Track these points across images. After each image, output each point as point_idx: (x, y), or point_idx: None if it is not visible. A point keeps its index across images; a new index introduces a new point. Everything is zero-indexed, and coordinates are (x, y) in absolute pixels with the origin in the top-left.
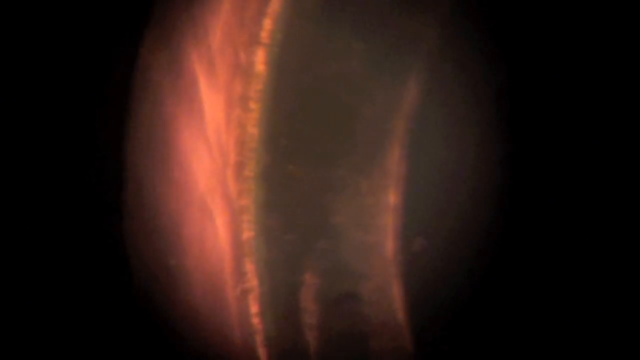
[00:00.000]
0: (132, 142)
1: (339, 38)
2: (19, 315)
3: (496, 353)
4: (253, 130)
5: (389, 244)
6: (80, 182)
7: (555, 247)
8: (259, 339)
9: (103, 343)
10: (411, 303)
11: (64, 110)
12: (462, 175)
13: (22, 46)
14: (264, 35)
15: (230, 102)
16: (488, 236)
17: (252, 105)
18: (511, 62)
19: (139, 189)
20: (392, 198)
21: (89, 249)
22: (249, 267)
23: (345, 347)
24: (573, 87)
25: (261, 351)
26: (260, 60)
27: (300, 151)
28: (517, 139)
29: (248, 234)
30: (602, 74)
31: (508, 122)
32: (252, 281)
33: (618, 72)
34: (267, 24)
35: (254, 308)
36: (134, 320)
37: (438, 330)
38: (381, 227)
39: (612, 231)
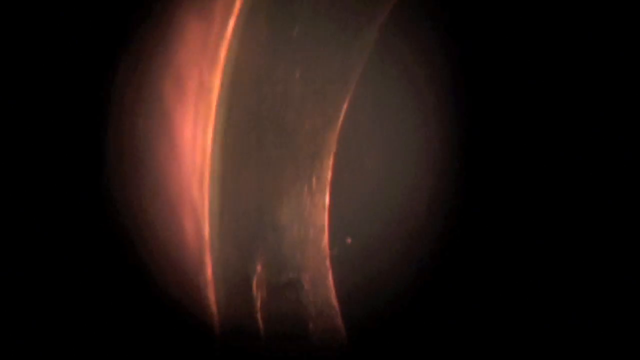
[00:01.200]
0: (113, 151)
1: (284, 64)
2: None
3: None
4: (212, 141)
5: (324, 240)
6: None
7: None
8: (215, 322)
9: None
10: (343, 291)
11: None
12: (392, 179)
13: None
14: (222, 58)
15: (195, 117)
16: (416, 233)
17: (211, 120)
18: (452, 66)
19: (121, 192)
20: (327, 200)
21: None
22: (208, 260)
23: (288, 328)
24: (515, 89)
25: (217, 331)
26: (217, 81)
27: (251, 161)
28: (455, 143)
29: (207, 231)
30: (544, 76)
31: (448, 124)
32: (210, 272)
33: (563, 74)
34: (223, 49)
35: (211, 295)
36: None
37: (366, 314)
38: (318, 225)
39: (545, 226)
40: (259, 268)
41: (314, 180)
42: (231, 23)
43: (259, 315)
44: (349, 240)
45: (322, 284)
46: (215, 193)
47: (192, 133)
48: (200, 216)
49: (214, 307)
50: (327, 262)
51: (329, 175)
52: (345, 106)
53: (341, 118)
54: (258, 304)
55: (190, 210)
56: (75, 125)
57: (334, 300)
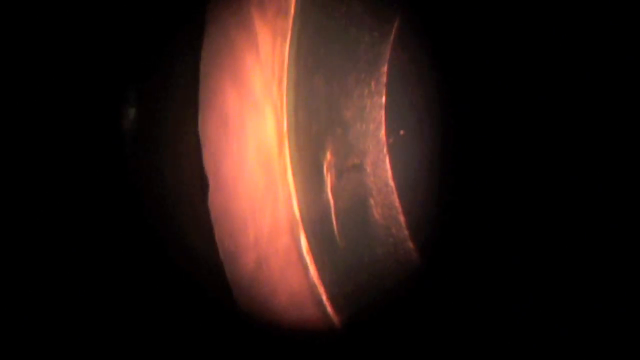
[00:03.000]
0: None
1: None
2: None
3: None
4: (288, 53)
5: (382, 132)
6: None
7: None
8: (294, 203)
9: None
10: (398, 173)
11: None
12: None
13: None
14: None
15: (274, 34)
16: None
17: (288, 35)
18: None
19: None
20: (383, 100)
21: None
22: (287, 148)
23: (353, 203)
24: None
25: (296, 212)
26: (293, 4)
27: (320, 68)
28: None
29: (286, 126)
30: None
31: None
32: (289, 158)
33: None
34: None
35: (290, 177)
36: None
37: (422, 198)
38: (377, 120)
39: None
40: (328, 155)
41: (372, 83)
42: None
43: (329, 194)
44: (402, 132)
45: (380, 167)
46: (291, 95)
47: (272, 47)
48: (280, 113)
49: (292, 188)
50: (385, 150)
51: (384, 79)
52: (397, 21)
53: (394, 31)
54: (329, 184)
55: (271, 107)
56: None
57: (391, 180)
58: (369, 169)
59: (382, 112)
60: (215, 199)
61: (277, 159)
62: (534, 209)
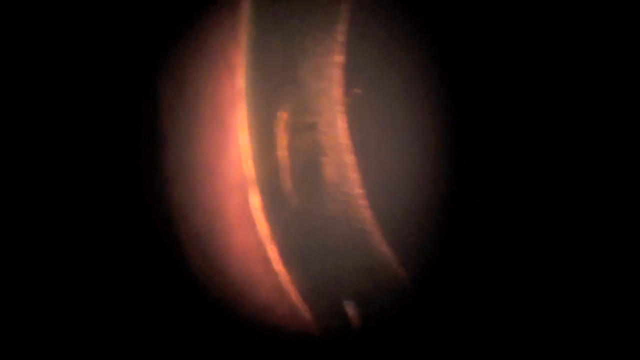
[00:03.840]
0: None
1: None
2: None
3: None
4: (246, 11)
5: (336, 90)
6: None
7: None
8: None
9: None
10: (352, 131)
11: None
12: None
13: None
14: None
15: None
16: None
17: None
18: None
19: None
20: (340, 58)
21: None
22: (242, 105)
23: (307, 162)
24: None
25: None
26: None
27: (278, 27)
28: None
29: (241, 82)
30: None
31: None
32: (244, 116)
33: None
34: None
35: (244, 136)
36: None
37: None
38: (333, 78)
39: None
40: (283, 113)
41: (329, 42)
42: None
43: (283, 152)
44: (358, 91)
45: (335, 125)
46: (248, 54)
47: (231, 7)
48: (235, 70)
49: (247, 146)
50: (340, 108)
51: (342, 38)
52: None
53: None
54: (284, 142)
55: (226, 66)
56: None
57: (345, 139)
58: (323, 128)
59: (338, 71)
60: (169, 156)
61: (231, 117)
62: (496, 173)
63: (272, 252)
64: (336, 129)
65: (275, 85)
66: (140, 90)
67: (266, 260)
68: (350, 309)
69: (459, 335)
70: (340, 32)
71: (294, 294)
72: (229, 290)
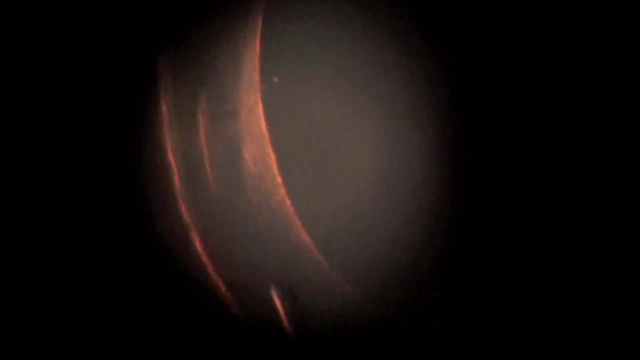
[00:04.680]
0: None
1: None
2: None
3: None
4: None
5: (255, 78)
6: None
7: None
8: (169, 149)
9: None
10: (270, 120)
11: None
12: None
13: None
14: None
15: None
16: None
17: None
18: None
19: None
20: (257, 47)
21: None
22: (162, 95)
23: (227, 153)
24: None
25: (171, 158)
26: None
27: (197, 17)
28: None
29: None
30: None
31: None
32: (164, 105)
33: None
34: None
35: (165, 122)
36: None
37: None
38: (250, 67)
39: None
40: (202, 101)
41: (246, 30)
42: None
43: (203, 140)
44: (275, 79)
45: (254, 113)
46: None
47: None
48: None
49: (167, 135)
50: (259, 97)
51: (259, 25)
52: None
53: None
54: (202, 130)
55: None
56: None
57: (264, 129)
58: (242, 116)
59: (256, 59)
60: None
61: (153, 107)
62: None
63: (197, 243)
64: (255, 116)
65: (195, 75)
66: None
67: (192, 251)
68: (276, 300)
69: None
70: (258, 20)
71: (220, 285)
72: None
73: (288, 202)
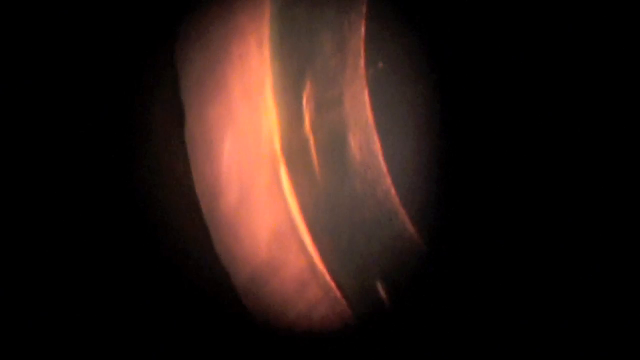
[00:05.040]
0: None
1: None
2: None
3: None
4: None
5: (361, 63)
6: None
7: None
8: (276, 135)
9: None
10: (376, 105)
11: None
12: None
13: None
14: None
15: None
16: None
17: None
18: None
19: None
20: (363, 31)
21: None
22: (270, 78)
23: (333, 141)
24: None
25: (278, 144)
26: None
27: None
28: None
29: (268, 53)
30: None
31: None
32: (272, 87)
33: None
34: None
35: (273, 107)
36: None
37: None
38: (356, 51)
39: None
40: (308, 87)
41: (352, 14)
42: None
43: (309, 127)
44: (380, 65)
45: (359, 100)
46: (274, 26)
47: None
48: (263, 45)
49: (275, 122)
50: (364, 81)
51: (364, 9)
52: None
53: None
54: (308, 117)
55: (255, 39)
56: None
57: (369, 114)
58: (348, 103)
59: (361, 43)
60: (192, 133)
61: (260, 93)
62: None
63: (304, 230)
64: (360, 103)
65: (301, 59)
66: (164, 64)
67: (298, 239)
68: (380, 289)
69: (481, 317)
70: (363, 3)
71: (325, 272)
72: (259, 272)
73: (393, 191)
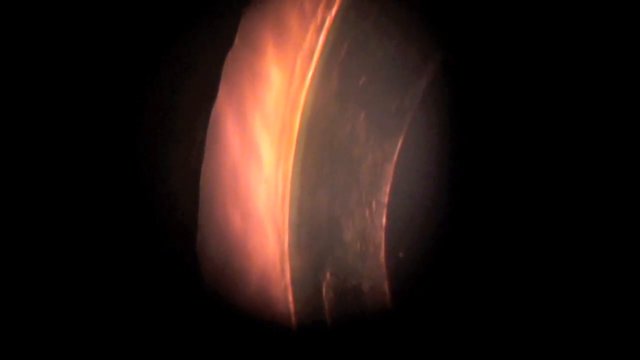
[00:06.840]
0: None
1: (352, 107)
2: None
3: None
4: (292, 170)
5: (381, 254)
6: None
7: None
8: (292, 320)
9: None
10: (397, 297)
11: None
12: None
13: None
14: (301, 103)
15: (279, 150)
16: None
17: (292, 153)
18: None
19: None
20: (384, 221)
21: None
22: (287, 267)
23: (351, 325)
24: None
25: (294, 328)
26: (297, 122)
27: (324, 187)
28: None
29: (287, 243)
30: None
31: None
32: (289, 278)
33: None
34: (302, 96)
35: (290, 297)
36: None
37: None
38: (376, 242)
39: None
40: (328, 275)
41: (374, 204)
42: (309, 75)
43: (327, 314)
44: (401, 254)
45: (379, 289)
46: (294, 211)
47: (276, 163)
48: (282, 230)
49: (291, 307)
50: (384, 272)
51: (386, 200)
52: (400, 142)
53: (397, 153)
54: (327, 305)
55: (272, 225)
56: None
57: (389, 303)
58: (367, 291)
59: (382, 234)
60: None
61: (278, 280)
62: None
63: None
64: (380, 292)
65: (321, 247)
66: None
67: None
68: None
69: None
70: (385, 194)
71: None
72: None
73: None
